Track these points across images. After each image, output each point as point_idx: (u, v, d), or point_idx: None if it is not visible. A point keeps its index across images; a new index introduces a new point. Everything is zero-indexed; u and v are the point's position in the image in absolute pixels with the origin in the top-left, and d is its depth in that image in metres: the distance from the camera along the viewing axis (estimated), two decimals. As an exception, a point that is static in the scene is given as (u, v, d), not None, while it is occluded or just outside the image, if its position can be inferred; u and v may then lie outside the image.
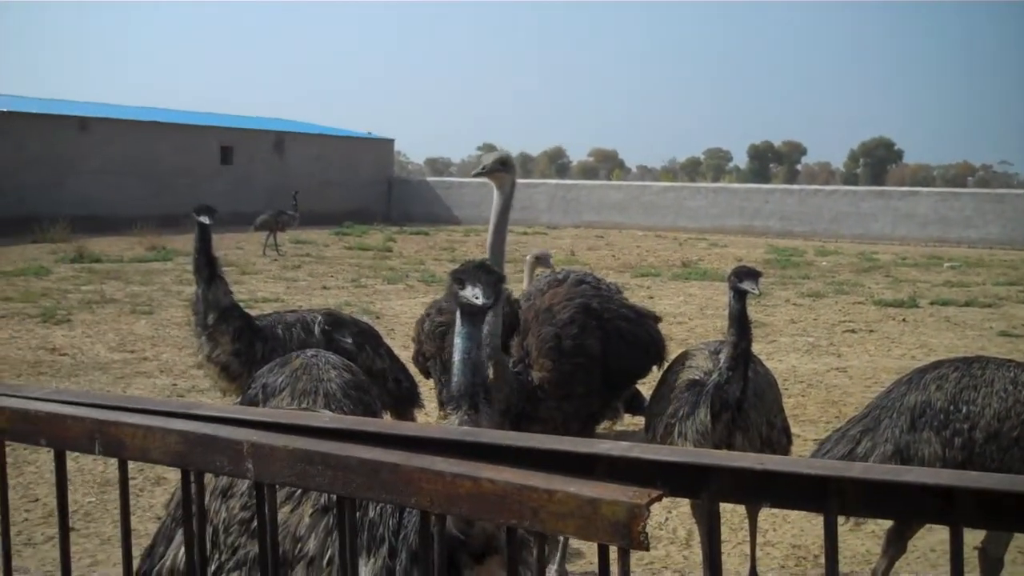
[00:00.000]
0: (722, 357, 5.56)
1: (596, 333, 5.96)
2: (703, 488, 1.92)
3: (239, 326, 7.80)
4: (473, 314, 3.37)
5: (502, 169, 5.67)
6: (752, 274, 5.62)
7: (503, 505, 1.96)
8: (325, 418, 2.48)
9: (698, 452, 2.02)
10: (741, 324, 5.53)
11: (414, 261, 25.72)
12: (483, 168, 5.71)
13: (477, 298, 3.37)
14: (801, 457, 5.21)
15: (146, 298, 17.96)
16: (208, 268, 7.88)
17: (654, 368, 6.60)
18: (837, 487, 1.82)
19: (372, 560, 3.12)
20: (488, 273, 3.48)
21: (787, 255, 28.01)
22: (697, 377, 5.74)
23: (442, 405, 6.39)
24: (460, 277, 3.52)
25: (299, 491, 3.39)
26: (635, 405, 8.41)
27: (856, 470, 1.85)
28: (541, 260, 9.53)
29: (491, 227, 5.76)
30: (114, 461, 2.55)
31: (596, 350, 5.93)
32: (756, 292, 5.56)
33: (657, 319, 6.76)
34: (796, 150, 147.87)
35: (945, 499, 1.78)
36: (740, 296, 5.57)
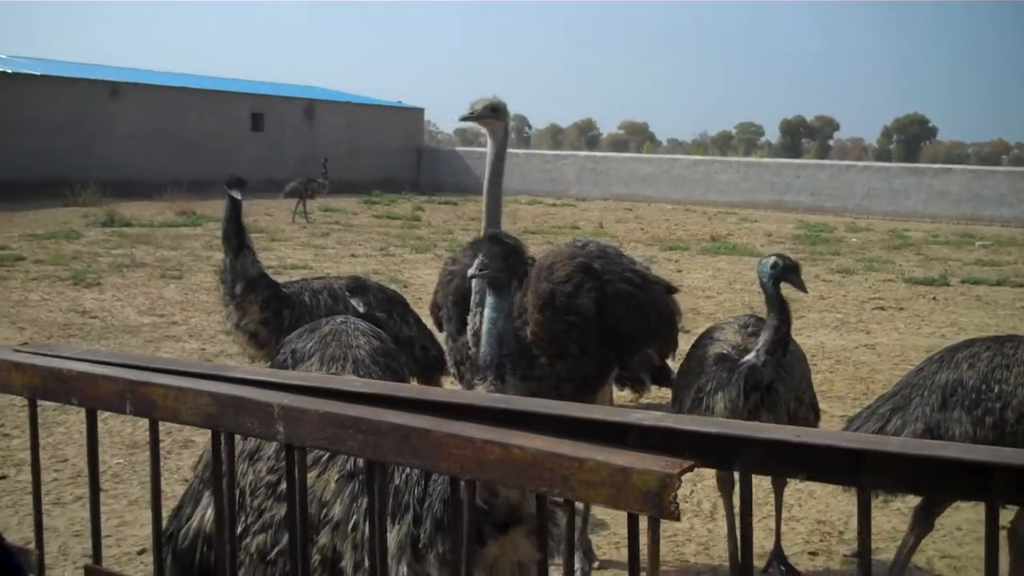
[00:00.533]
0: (762, 339, 5.48)
1: (591, 293, 5.89)
2: (735, 459, 1.91)
3: (267, 295, 7.89)
4: (498, 285, 3.39)
5: (492, 115, 5.55)
6: (797, 268, 5.56)
7: (533, 472, 1.95)
8: (356, 383, 2.48)
9: (731, 423, 2.00)
10: (782, 307, 5.47)
11: (442, 231, 25.68)
12: (472, 112, 5.58)
13: (471, 268, 3.43)
14: (837, 431, 5.17)
15: (175, 263, 18.04)
16: (237, 238, 7.97)
17: (660, 337, 6.52)
18: (872, 461, 1.80)
19: (397, 527, 3.12)
20: (493, 244, 3.50)
21: (817, 231, 27.79)
22: (726, 351, 5.69)
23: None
24: (472, 248, 3.58)
25: (325, 456, 3.40)
26: (662, 377, 8.37)
27: (892, 444, 1.83)
28: None
29: (485, 178, 5.63)
30: (143, 424, 2.57)
31: (590, 310, 5.86)
32: (807, 291, 5.51)
33: (671, 289, 6.66)
34: (828, 125, 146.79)
35: (982, 475, 1.75)
36: (777, 281, 5.51)
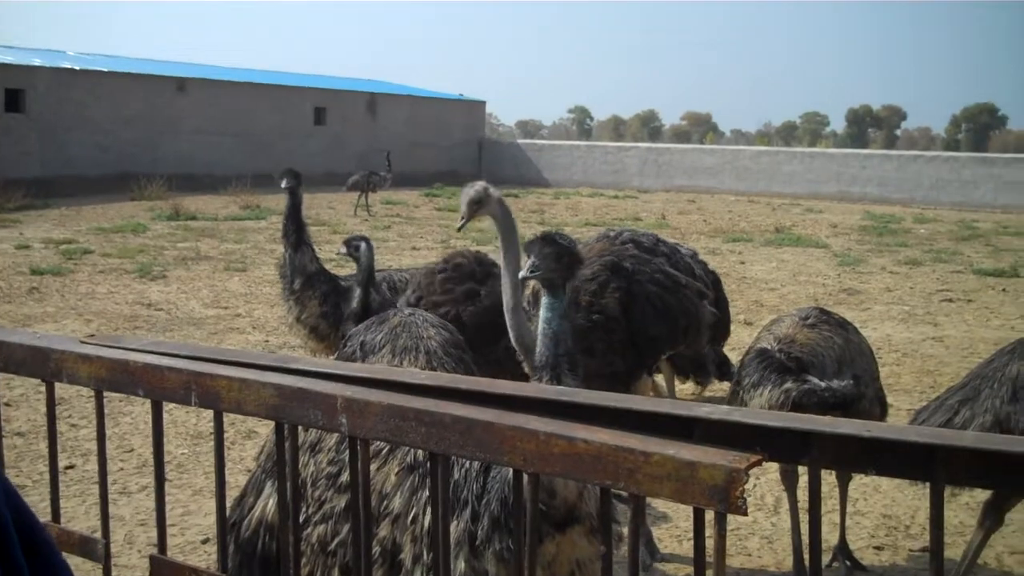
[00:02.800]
0: (844, 384, 5.36)
1: (616, 293, 5.86)
2: (805, 454, 1.87)
3: (325, 290, 8.01)
4: (553, 286, 3.39)
5: (480, 207, 5.47)
6: None
7: (598, 465, 1.93)
8: (420, 375, 2.47)
9: (801, 418, 1.96)
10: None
11: (504, 223, 25.62)
12: (463, 218, 5.51)
13: (522, 270, 3.45)
14: (908, 425, 5.06)
15: (240, 256, 18.23)
16: (296, 234, 8.14)
17: (687, 341, 6.41)
18: (945, 456, 1.76)
19: (455, 522, 3.12)
20: (545, 245, 3.49)
21: (884, 222, 27.42)
22: (767, 346, 5.61)
23: None
24: (526, 249, 3.57)
25: (386, 449, 3.41)
26: (724, 372, 8.33)
27: (968, 439, 1.78)
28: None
29: (502, 255, 5.34)
30: (206, 415, 2.59)
31: (615, 310, 5.84)
32: None
33: (703, 295, 6.52)
34: (896, 115, 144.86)
35: (1061, 471, 1.70)
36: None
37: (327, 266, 8.68)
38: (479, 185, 5.45)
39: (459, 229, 5.73)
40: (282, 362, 2.53)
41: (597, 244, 6.21)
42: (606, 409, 2.07)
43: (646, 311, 5.96)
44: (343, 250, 7.74)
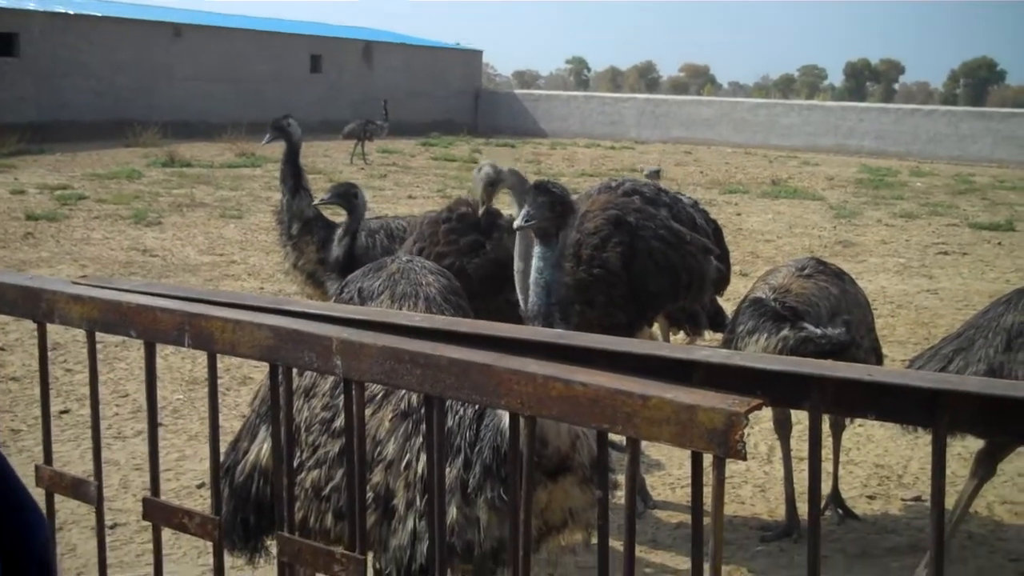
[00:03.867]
0: (839, 331, 5.36)
1: (619, 248, 5.83)
2: (805, 398, 1.85)
3: (323, 236, 7.95)
4: (545, 235, 3.36)
5: (495, 188, 5.41)
6: None
7: (595, 409, 1.90)
8: (416, 317, 2.45)
9: (802, 361, 1.94)
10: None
11: (500, 173, 25.52)
12: (483, 203, 5.48)
13: (516, 218, 3.43)
14: (911, 370, 5.06)
15: (235, 203, 18.16)
16: (293, 179, 8.08)
17: (689, 297, 6.38)
18: (949, 401, 1.73)
19: (448, 469, 3.12)
20: (539, 194, 3.46)
21: (880, 175, 27.35)
22: (763, 296, 5.60)
23: None
24: (524, 197, 3.54)
25: (380, 395, 3.40)
26: (717, 323, 8.30)
27: (972, 384, 1.75)
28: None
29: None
30: (202, 361, 2.55)
31: (616, 264, 5.82)
32: None
33: (709, 250, 6.47)
34: (894, 69, 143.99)
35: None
36: None
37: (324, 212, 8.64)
38: (486, 166, 5.40)
39: (481, 215, 5.77)
40: (277, 304, 2.49)
41: (600, 196, 6.16)
42: (604, 352, 2.04)
43: (647, 267, 5.94)
44: (326, 196, 7.69)
